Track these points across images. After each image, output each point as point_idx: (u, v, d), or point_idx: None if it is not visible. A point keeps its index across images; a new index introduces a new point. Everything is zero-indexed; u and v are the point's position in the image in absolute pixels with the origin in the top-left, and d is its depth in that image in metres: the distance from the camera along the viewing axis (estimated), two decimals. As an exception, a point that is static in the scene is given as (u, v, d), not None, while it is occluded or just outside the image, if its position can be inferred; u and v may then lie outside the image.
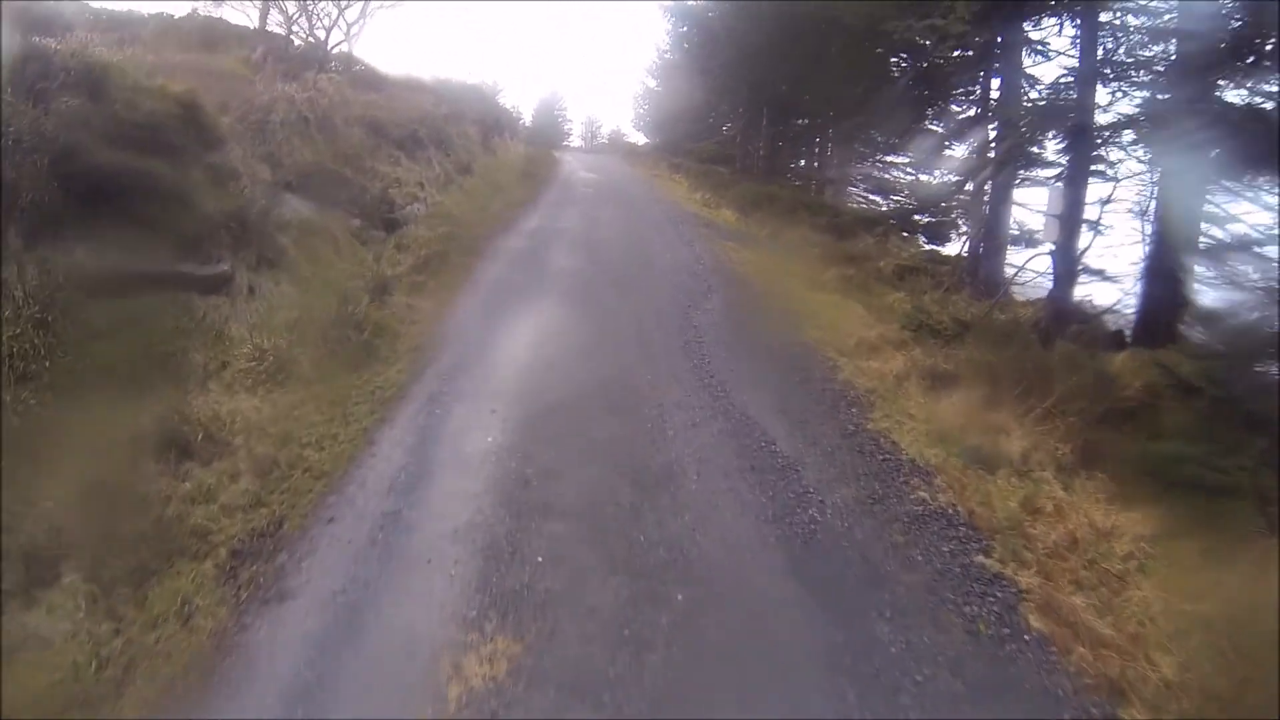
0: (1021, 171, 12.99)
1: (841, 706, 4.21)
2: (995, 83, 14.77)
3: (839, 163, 24.02)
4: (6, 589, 4.74)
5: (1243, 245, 9.41)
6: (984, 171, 14.41)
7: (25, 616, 4.65)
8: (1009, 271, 14.47)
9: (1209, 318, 9.95)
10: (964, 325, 10.68)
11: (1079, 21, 11.75)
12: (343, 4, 20.08)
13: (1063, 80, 11.98)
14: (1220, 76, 9.62)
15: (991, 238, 14.42)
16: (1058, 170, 12.40)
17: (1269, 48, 8.67)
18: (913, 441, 7.36)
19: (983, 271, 14.41)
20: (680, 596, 4.87)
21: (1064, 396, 8.16)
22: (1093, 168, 11.16)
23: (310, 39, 19.97)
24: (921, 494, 6.42)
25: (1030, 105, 12.72)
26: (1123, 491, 6.46)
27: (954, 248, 17.30)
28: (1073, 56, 12.23)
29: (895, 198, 23.75)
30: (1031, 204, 14.30)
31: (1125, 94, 11.14)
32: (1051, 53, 13.26)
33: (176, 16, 19.61)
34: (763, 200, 21.25)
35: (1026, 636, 4.88)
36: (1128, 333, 11.15)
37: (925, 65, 16.05)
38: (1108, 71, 11.20)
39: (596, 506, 5.82)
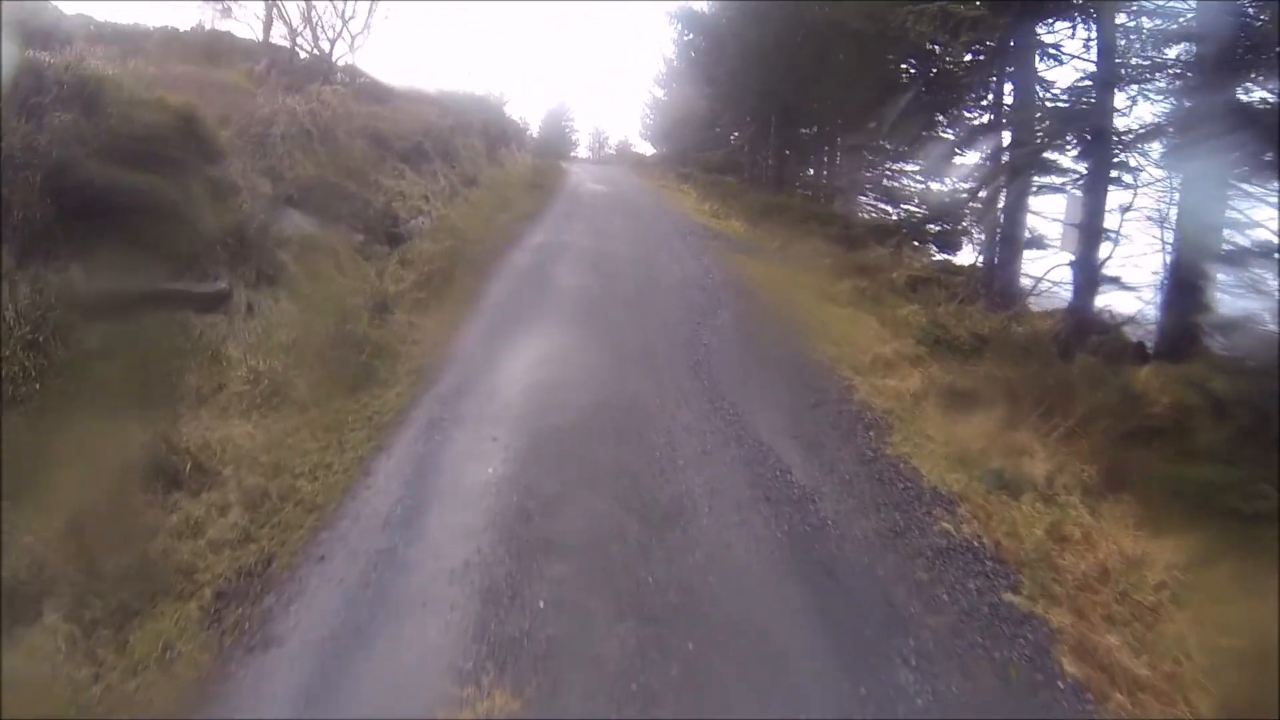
0: (1037, 179, 12.63)
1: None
2: (1008, 88, 14.50)
3: (848, 171, 23.71)
4: (-10, 628, 4.51)
5: (1265, 251, 9.17)
6: (998, 179, 14.10)
7: (5, 658, 4.40)
8: (1025, 282, 14.20)
9: (1230, 325, 9.69)
10: (982, 340, 10.37)
11: (1094, 23, 11.47)
12: (346, 15, 19.90)
13: (1080, 84, 11.62)
14: (1241, 78, 9.36)
15: (1006, 247, 14.10)
16: (1075, 177, 12.15)
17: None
18: (933, 467, 7.04)
19: (998, 282, 14.09)
20: (691, 645, 4.54)
21: (1088, 415, 7.87)
22: (1112, 174, 10.82)
23: (315, 51, 19.80)
24: (945, 525, 6.10)
25: (1048, 110, 12.39)
26: (1152, 515, 6.18)
27: (966, 257, 17.04)
28: (1087, 60, 11.98)
29: (906, 207, 23.47)
30: (1047, 212, 13.96)
31: (1146, 97, 10.80)
32: (1065, 56, 12.96)
33: (182, 30, 19.44)
34: (772, 210, 20.99)
35: (1061, 684, 4.57)
36: (1149, 344, 10.85)
37: (935, 71, 15.81)
38: (1126, 75, 10.85)
39: (602, 544, 5.50)
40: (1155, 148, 10.72)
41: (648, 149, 45.77)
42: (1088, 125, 10.77)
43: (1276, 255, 8.94)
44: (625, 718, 4.10)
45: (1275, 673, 4.41)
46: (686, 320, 11.06)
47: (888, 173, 24.43)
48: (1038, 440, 7.62)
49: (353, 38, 20.17)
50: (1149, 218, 11.67)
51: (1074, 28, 12.44)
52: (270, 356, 8.10)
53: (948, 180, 18.48)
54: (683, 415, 7.79)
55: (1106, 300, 11.40)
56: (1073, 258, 10.89)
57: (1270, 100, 9.10)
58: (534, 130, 45.21)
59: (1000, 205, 14.17)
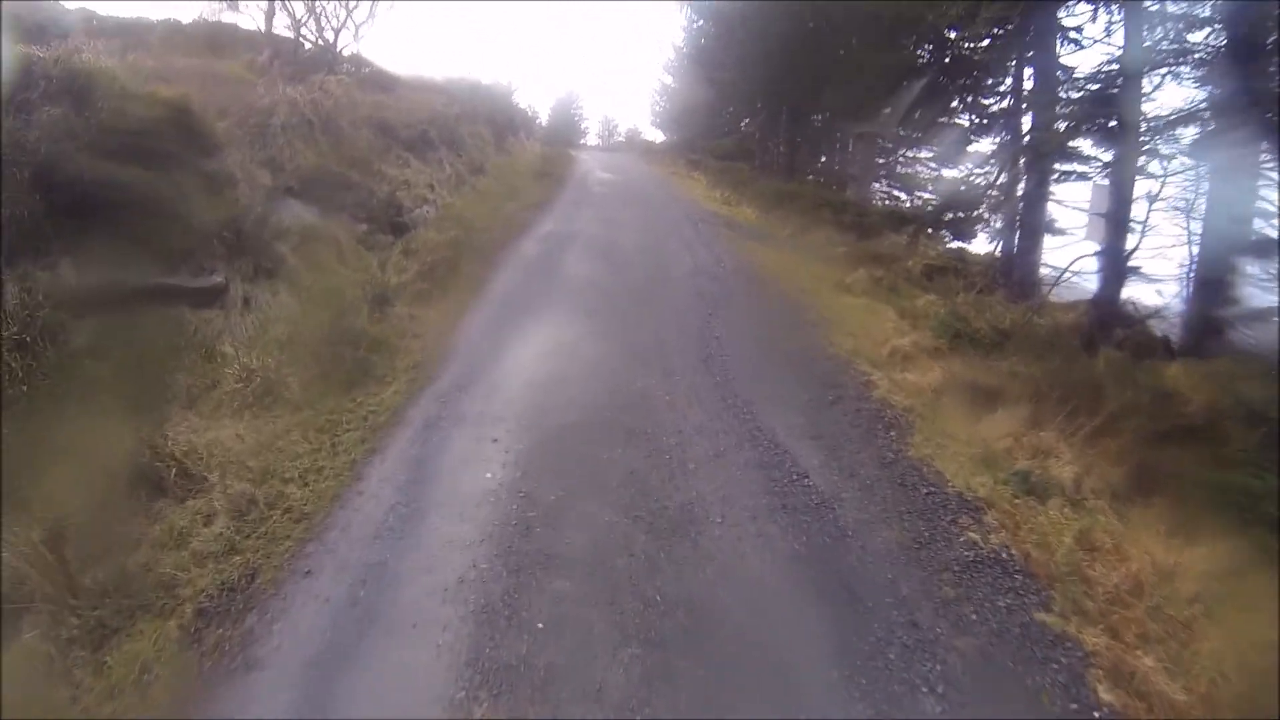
0: (1060, 166, 12.22)
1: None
2: (1027, 73, 14.04)
3: (861, 158, 23.24)
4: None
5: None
6: (1018, 166, 13.69)
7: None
8: (1044, 271, 13.81)
9: (1257, 319, 9.34)
10: (1003, 333, 10.00)
11: (1119, 6, 11.03)
12: (350, 4, 19.60)
13: (1106, 69, 11.18)
14: (1271, 63, 8.97)
15: (1026, 235, 13.70)
16: (1100, 165, 11.76)
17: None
18: (958, 470, 6.67)
19: (1017, 271, 13.72)
20: (701, 672, 4.22)
21: (1117, 414, 7.52)
22: (1139, 163, 10.41)
23: (319, 42, 19.53)
24: (972, 535, 5.74)
25: (1074, 96, 11.95)
26: (1184, 522, 5.82)
27: (980, 245, 16.63)
28: (1109, 45, 11.54)
29: (920, 194, 23.05)
30: (1068, 200, 13.54)
31: (1177, 78, 10.33)
32: (1086, 40, 12.49)
33: (185, 22, 19.20)
34: (784, 197, 20.64)
35: (1097, 713, 4.24)
36: (1173, 338, 10.48)
37: (951, 56, 15.37)
38: (1155, 59, 10.40)
39: (606, 558, 5.15)
40: (1184, 135, 10.27)
41: (657, 136, 45.41)
42: (1115, 111, 10.33)
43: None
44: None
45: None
46: (698, 311, 10.70)
47: (901, 159, 24.04)
48: (1064, 440, 7.28)
49: (357, 27, 19.94)
50: (1175, 208, 11.28)
51: (1095, 11, 11.97)
52: (264, 353, 7.82)
53: (963, 167, 18.04)
54: (694, 413, 7.44)
55: (1130, 292, 11.04)
56: (1099, 248, 10.48)
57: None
58: (543, 118, 45.06)
59: (1020, 193, 13.76)
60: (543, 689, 4.05)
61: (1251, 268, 9.60)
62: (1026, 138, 13.52)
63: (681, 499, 5.93)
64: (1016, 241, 13.95)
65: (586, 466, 6.35)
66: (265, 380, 7.38)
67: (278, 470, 6.20)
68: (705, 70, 29.58)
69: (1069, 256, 12.47)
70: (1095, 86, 11.36)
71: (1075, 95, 11.88)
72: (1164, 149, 10.35)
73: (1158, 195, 10.38)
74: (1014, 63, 14.18)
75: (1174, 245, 11.10)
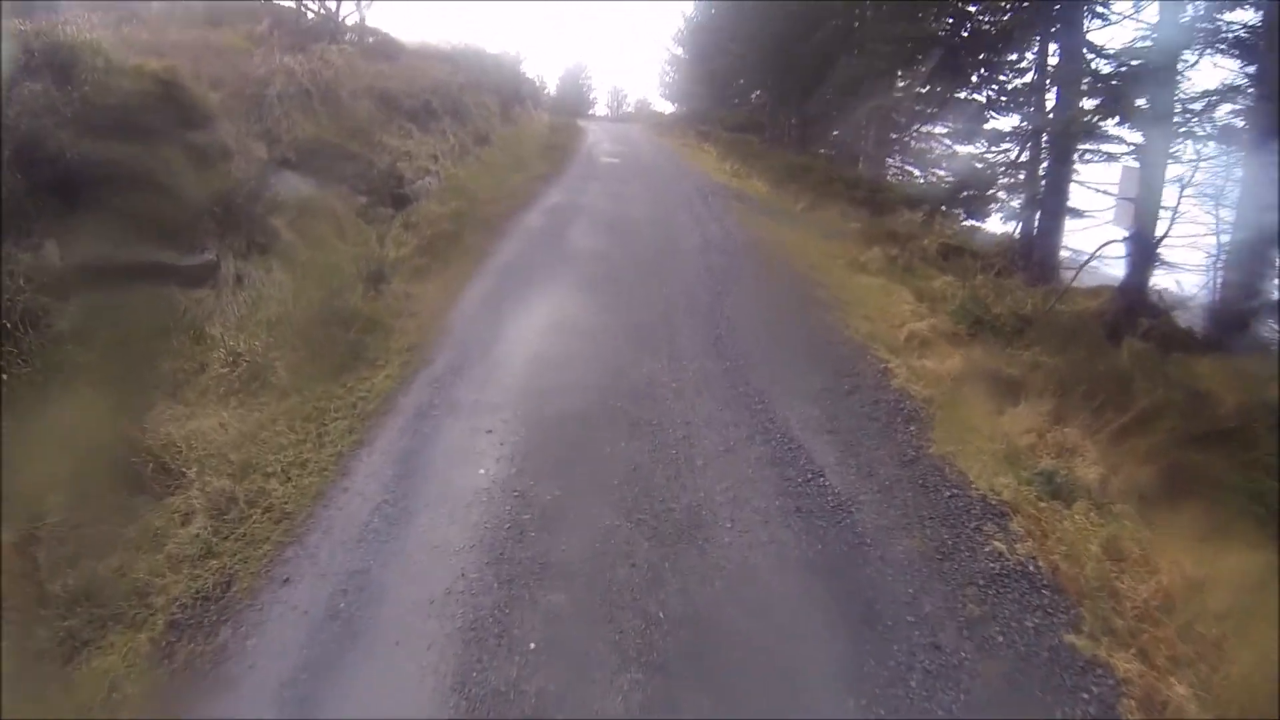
0: (1086, 146, 11.75)
1: None
2: (1051, 48, 13.50)
3: (875, 133, 22.66)
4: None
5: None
6: (1040, 146, 13.22)
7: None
8: (1064, 254, 13.40)
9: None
10: (1024, 320, 9.60)
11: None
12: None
13: (1139, 45, 10.66)
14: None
15: (1048, 217, 13.25)
16: (1129, 147, 11.31)
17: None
18: (981, 470, 6.31)
19: (1037, 253, 13.29)
20: (708, 701, 3.90)
21: (1147, 413, 7.16)
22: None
23: (322, 10, 19.01)
24: (997, 544, 5.38)
25: (1104, 73, 11.43)
26: (1214, 528, 5.56)
27: (996, 225, 16.21)
28: (1139, 21, 11.03)
29: (935, 171, 22.51)
30: (1090, 181, 13.09)
31: (1213, 58, 9.84)
32: (1114, 15, 11.97)
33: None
34: (795, 171, 20.18)
35: (1131, 750, 3.93)
36: (1195, 328, 10.11)
37: (969, 29, 14.84)
38: (1190, 38, 9.89)
39: (606, 568, 4.81)
40: (1219, 117, 9.80)
41: (666, 108, 44.65)
42: (1147, 91, 9.84)
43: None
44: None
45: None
46: (707, 289, 10.30)
47: (915, 135, 23.47)
48: (1089, 438, 6.99)
49: (359, -4, 19.38)
50: (1204, 194, 10.85)
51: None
52: (252, 336, 7.49)
53: (981, 144, 17.53)
54: (703, 403, 7.06)
55: (1155, 280, 10.66)
56: (1126, 234, 10.05)
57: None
58: (551, 89, 44.39)
59: (1042, 172, 13.30)
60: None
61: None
62: (1050, 116, 13.03)
63: (688, 500, 5.58)
64: (1037, 223, 13.49)
65: (586, 462, 6.00)
66: (252, 365, 7.05)
67: (260, 464, 5.88)
68: (716, 41, 29.02)
69: (1090, 240, 12.17)
70: (1126, 65, 10.84)
71: (1105, 73, 11.33)
72: (1198, 132, 9.89)
73: (1189, 180, 9.95)
74: (1038, 38, 13.63)
75: (1204, 234, 10.73)
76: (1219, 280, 10.24)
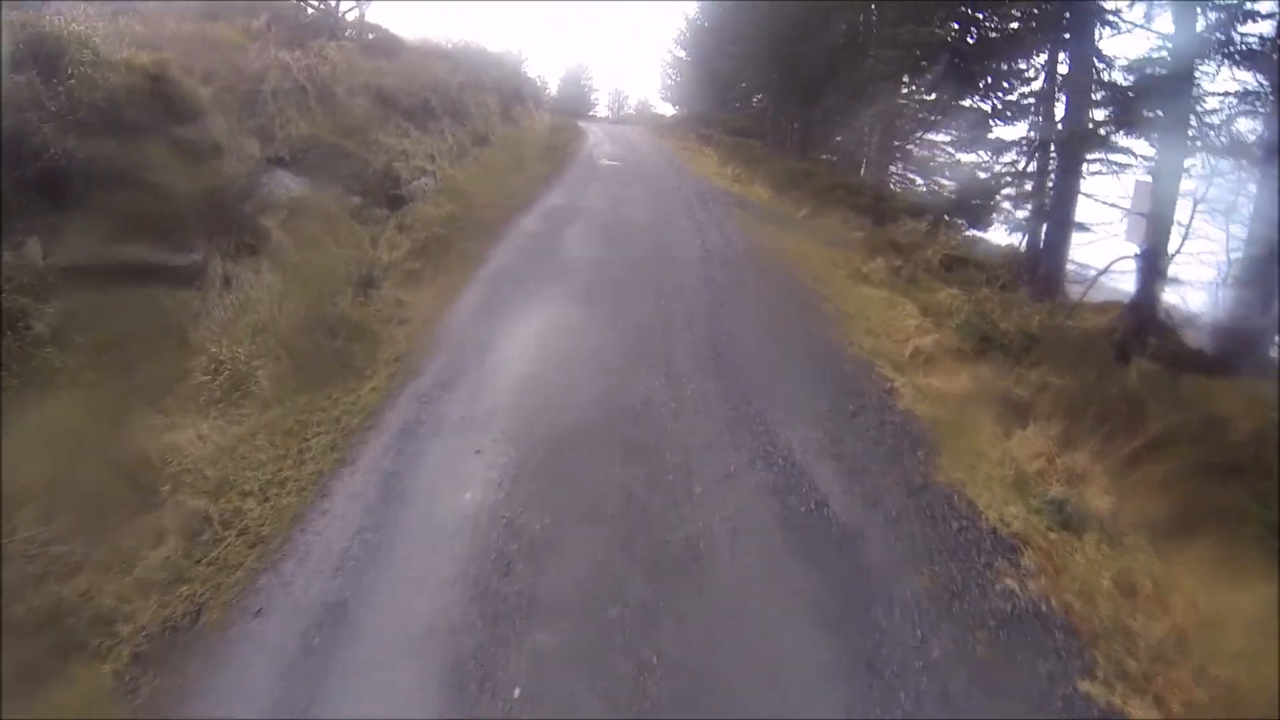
0: (1097, 158, 11.51)
1: None
2: (1061, 57, 13.26)
3: (879, 140, 22.44)
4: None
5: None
6: (1048, 157, 12.97)
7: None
8: (1070, 267, 13.16)
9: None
10: (1031, 337, 9.34)
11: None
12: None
13: (1154, 54, 10.40)
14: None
15: (1054, 230, 12.99)
16: (1137, 159, 11.06)
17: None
18: (990, 499, 6.07)
19: (1042, 267, 13.03)
20: (702, 757, 3.65)
21: (1160, 438, 6.91)
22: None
23: (321, 6, 18.75)
24: (1009, 581, 5.13)
25: (1117, 84, 11.18)
26: (1228, 559, 5.36)
27: (998, 235, 15.98)
28: (1151, 31, 10.81)
29: (938, 179, 22.31)
30: (1099, 194, 12.84)
31: (1230, 69, 9.59)
32: (1125, 26, 11.71)
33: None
34: (797, 177, 19.92)
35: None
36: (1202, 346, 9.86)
37: (977, 36, 14.61)
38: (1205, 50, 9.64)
39: (598, 605, 4.54)
40: (1234, 131, 9.56)
41: (668, 110, 44.40)
42: (1161, 103, 9.58)
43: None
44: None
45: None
46: (707, 301, 10.01)
47: (917, 142, 23.29)
48: (1099, 464, 6.78)
49: (360, -9, 19.13)
50: (1214, 209, 10.64)
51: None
52: (235, 342, 7.25)
53: (986, 153, 17.30)
54: (702, 424, 6.79)
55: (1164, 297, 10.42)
56: (1139, 250, 9.80)
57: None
58: (552, 89, 44.16)
59: (1049, 184, 13.05)
60: (516, 778, 3.47)
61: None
62: (1059, 126, 12.79)
63: (686, 531, 5.30)
64: (1044, 235, 13.25)
65: (579, 488, 5.72)
66: (235, 373, 6.82)
67: (237, 481, 5.64)
68: (718, 43, 28.79)
69: (1096, 253, 11.95)
70: (1140, 76, 10.59)
71: (1118, 84, 11.09)
72: (1213, 144, 9.65)
73: (1203, 196, 9.73)
74: (1048, 46, 13.39)
75: (1214, 250, 10.52)
76: (1229, 298, 10.00)
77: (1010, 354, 8.92)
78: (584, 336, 8.51)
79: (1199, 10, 9.63)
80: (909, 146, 23.45)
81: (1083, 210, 12.87)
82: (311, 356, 7.38)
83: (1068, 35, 12.54)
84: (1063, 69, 13.02)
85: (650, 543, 5.18)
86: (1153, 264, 9.65)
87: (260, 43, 13.57)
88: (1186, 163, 9.76)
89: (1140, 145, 11.09)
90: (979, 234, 16.68)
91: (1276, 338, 9.24)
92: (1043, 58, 13.82)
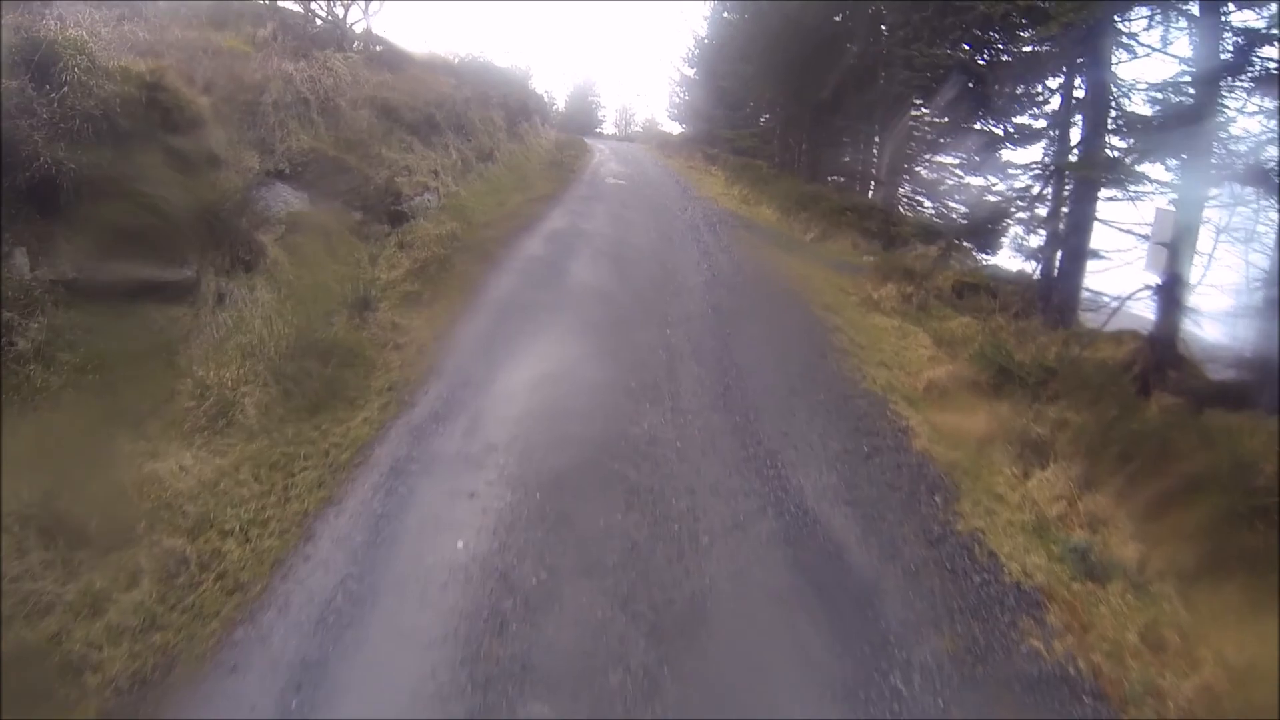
0: (1115, 185, 11.24)
1: None
2: (1077, 81, 13.03)
3: (890, 161, 22.20)
4: None
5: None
6: (1064, 183, 12.71)
7: None
8: (1084, 294, 12.85)
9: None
10: (1049, 371, 9.04)
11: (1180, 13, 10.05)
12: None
13: (1178, 80, 10.15)
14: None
15: (1069, 257, 12.72)
16: (1156, 186, 10.79)
17: None
18: (1012, 549, 5.78)
19: (1057, 295, 12.75)
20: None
21: (1187, 482, 6.60)
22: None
23: (329, 17, 18.59)
24: (1034, 642, 4.83)
25: (1135, 113, 10.94)
26: (1255, 607, 5.12)
27: (1007, 257, 15.69)
28: (1169, 55, 10.60)
29: (948, 202, 22.05)
30: (1116, 220, 12.55)
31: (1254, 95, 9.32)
32: (1142, 50, 11.49)
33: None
34: (806, 200, 19.70)
35: None
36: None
37: (990, 59, 14.43)
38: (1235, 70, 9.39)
39: (597, 671, 4.19)
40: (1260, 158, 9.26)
41: (674, 128, 44.25)
42: (1186, 131, 9.31)
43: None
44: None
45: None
46: (715, 331, 9.68)
47: (927, 164, 23.04)
48: (1122, 506, 6.51)
49: (367, 3, 18.94)
50: (1235, 238, 10.35)
51: (1152, 19, 10.98)
52: (223, 366, 6.94)
53: (999, 177, 17.05)
54: (709, 466, 6.45)
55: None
56: (1159, 280, 9.50)
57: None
58: (560, 105, 44.00)
59: (1065, 210, 12.78)
60: None
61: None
62: (1075, 151, 12.54)
63: (692, 587, 4.97)
64: (1058, 263, 12.97)
65: (578, 537, 5.37)
66: (221, 399, 6.51)
67: (218, 519, 5.30)
68: (727, 62, 28.62)
69: (1111, 281, 11.70)
70: (1161, 105, 10.34)
71: (1139, 113, 10.84)
72: (1237, 173, 9.38)
73: (1226, 225, 9.44)
74: (1064, 71, 13.16)
75: (1236, 280, 10.24)
76: (1250, 329, 9.68)
77: (1027, 387, 8.63)
78: (586, 368, 8.16)
79: (1222, 34, 9.42)
80: (918, 168, 23.19)
81: (1098, 236, 12.62)
82: (301, 383, 7.06)
83: (1083, 59, 12.31)
84: (1078, 93, 12.80)
85: (653, 600, 4.84)
86: (1174, 295, 9.34)
87: (264, 53, 13.34)
88: (1213, 192, 9.46)
89: (1158, 170, 10.85)
90: (989, 258, 16.44)
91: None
92: (1058, 81, 13.58)
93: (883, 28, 19.65)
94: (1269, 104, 9.45)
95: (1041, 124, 14.21)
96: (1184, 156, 9.62)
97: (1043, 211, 13.53)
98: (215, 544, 5.07)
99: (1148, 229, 10.81)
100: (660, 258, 13.16)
